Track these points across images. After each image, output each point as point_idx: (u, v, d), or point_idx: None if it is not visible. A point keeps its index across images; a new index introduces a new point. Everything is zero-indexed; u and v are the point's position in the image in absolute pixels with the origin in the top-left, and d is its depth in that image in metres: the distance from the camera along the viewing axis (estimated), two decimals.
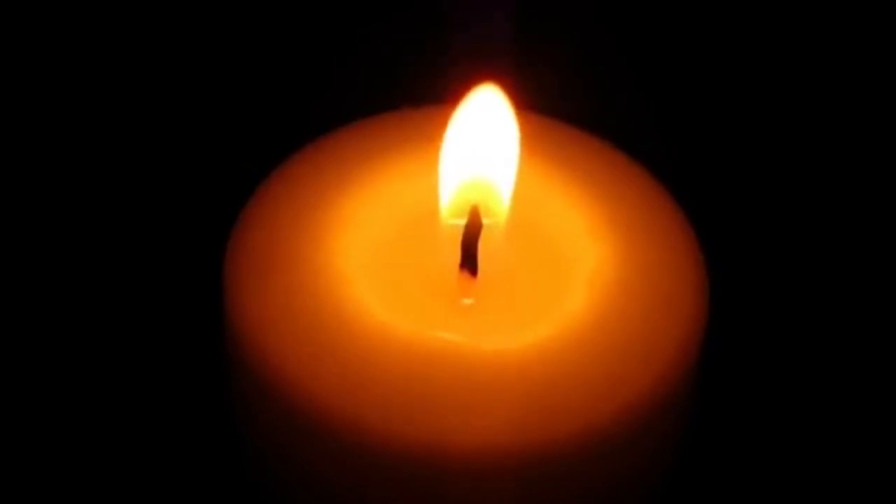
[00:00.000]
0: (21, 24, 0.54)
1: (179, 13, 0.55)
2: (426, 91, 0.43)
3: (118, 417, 0.46)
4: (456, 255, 0.38)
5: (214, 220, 0.41)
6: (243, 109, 0.53)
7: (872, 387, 0.48)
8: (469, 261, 0.38)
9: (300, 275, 0.37)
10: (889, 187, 0.53)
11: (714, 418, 0.45)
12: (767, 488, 0.46)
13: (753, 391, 0.47)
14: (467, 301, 0.39)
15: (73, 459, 0.45)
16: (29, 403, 0.46)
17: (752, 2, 0.56)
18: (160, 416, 0.46)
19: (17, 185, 0.51)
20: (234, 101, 0.54)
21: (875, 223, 0.52)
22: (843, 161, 0.53)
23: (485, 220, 0.38)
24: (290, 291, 0.37)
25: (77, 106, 0.53)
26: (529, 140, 0.40)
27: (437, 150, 0.40)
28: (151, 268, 0.49)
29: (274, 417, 0.37)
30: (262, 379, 0.36)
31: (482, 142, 0.39)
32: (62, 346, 0.47)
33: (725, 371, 0.46)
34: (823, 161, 0.53)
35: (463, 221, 0.39)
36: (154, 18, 0.55)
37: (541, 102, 0.42)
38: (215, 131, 0.53)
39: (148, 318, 0.48)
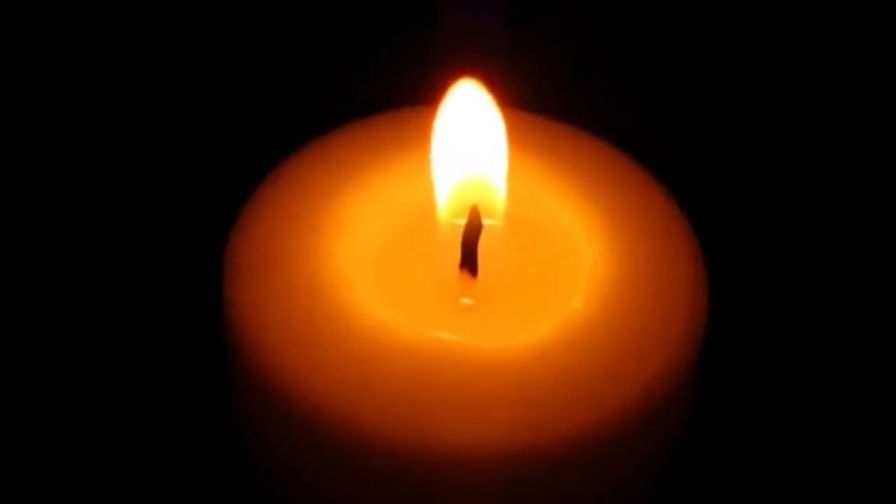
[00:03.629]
0: (21, 24, 0.54)
1: (179, 13, 0.55)
2: (426, 91, 0.43)
3: (118, 417, 0.46)
4: (456, 255, 0.38)
5: (214, 220, 0.41)
6: (243, 109, 0.53)
7: (872, 386, 0.48)
8: (469, 261, 0.38)
9: (300, 275, 0.37)
10: (889, 187, 0.53)
11: (714, 418, 0.45)
12: (767, 488, 0.46)
13: (753, 391, 0.47)
14: (467, 301, 0.39)
15: (74, 459, 0.45)
16: (29, 403, 0.46)
17: (752, 2, 0.56)
18: (160, 416, 0.46)
19: (17, 185, 0.51)
20: (234, 100, 0.54)
21: (875, 223, 0.52)
22: (843, 161, 0.53)
23: (485, 221, 0.38)
24: (290, 291, 0.37)
25: (77, 106, 0.53)
26: (528, 140, 0.40)
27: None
28: (151, 267, 0.49)
29: (274, 417, 0.37)
30: (262, 378, 0.36)
31: (470, 139, 0.39)
32: (62, 347, 0.47)
33: (725, 370, 0.46)
34: (823, 161, 0.53)
35: (463, 221, 0.39)
36: (154, 18, 0.55)
37: (539, 102, 0.42)
38: (215, 131, 0.53)
39: (148, 318, 0.48)
